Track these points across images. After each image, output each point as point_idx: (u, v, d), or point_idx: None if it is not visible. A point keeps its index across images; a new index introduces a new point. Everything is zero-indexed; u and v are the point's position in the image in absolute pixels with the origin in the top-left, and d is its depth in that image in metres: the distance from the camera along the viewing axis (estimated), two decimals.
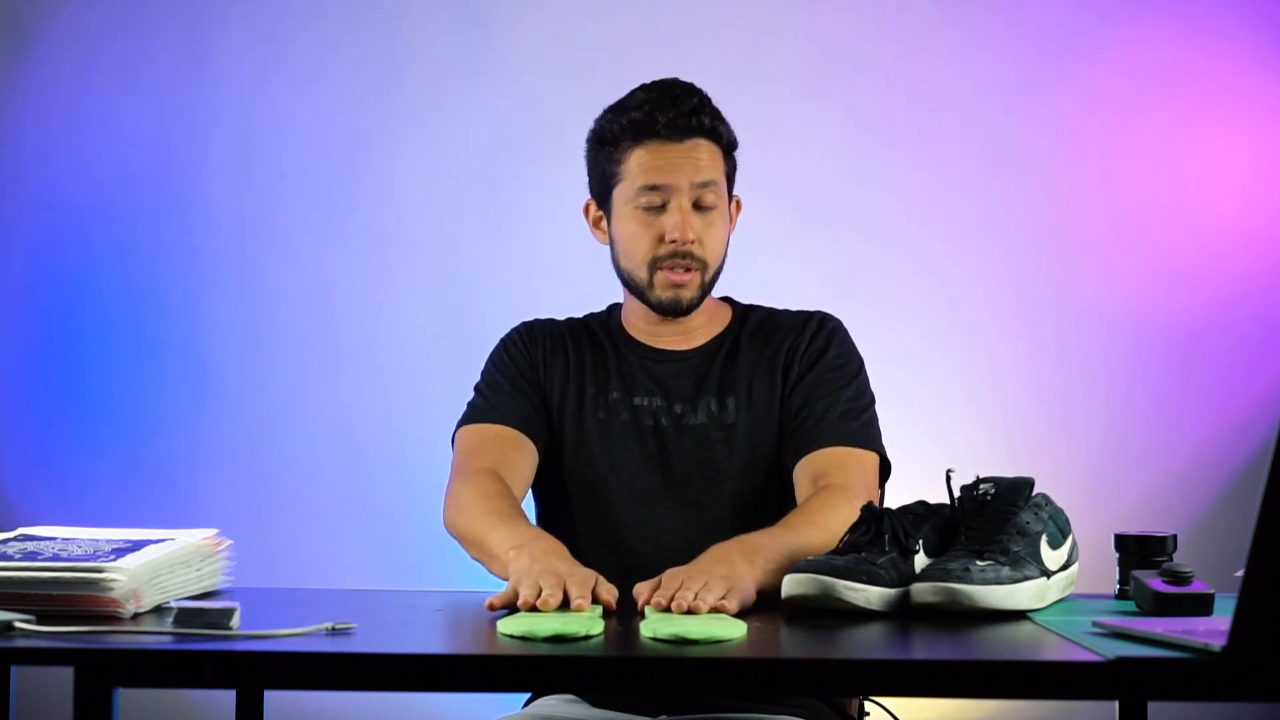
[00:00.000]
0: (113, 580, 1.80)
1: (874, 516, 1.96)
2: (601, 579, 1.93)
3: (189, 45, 3.75)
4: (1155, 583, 1.87)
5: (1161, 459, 3.64)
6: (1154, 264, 3.66)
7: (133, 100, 3.74)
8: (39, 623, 1.71)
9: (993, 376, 3.67)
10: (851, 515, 2.05)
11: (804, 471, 2.26)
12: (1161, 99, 3.67)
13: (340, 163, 3.74)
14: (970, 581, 1.84)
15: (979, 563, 1.87)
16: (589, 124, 2.37)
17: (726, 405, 2.33)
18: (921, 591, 1.85)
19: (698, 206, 2.29)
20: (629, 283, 2.35)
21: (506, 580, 1.98)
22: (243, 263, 3.73)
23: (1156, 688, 1.61)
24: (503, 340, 2.42)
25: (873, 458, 2.29)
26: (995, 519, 1.94)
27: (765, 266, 3.39)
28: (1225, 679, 1.55)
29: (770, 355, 2.35)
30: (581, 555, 2.20)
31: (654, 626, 1.73)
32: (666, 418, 2.33)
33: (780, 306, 2.44)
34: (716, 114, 2.32)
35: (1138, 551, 2.01)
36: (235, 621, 1.70)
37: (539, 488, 2.36)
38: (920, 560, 1.93)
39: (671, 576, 1.92)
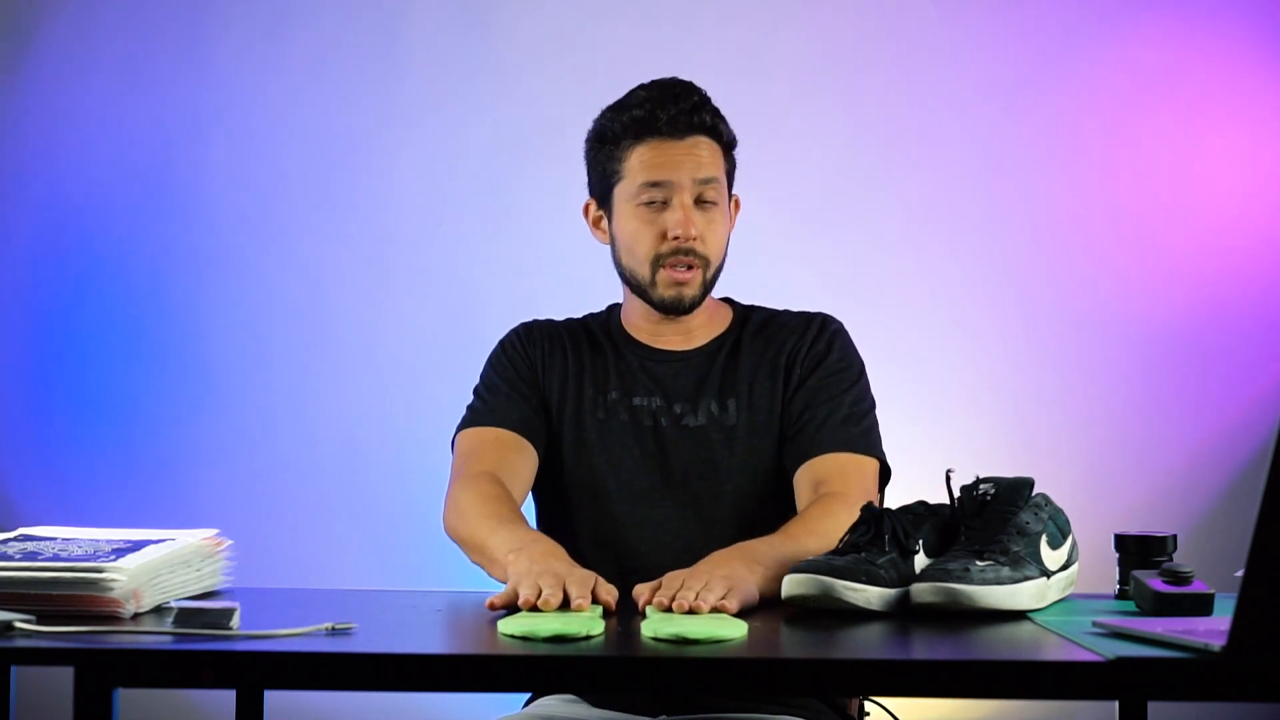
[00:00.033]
0: (113, 580, 1.80)
1: (874, 517, 1.96)
2: (601, 579, 1.93)
3: (189, 45, 3.75)
4: (1155, 583, 1.87)
5: (1161, 459, 3.64)
6: (1154, 264, 3.66)
7: (133, 100, 3.74)
8: (39, 623, 1.71)
9: (993, 376, 3.67)
10: (850, 521, 2.05)
11: (804, 478, 2.26)
12: (1161, 99, 3.67)
13: (340, 163, 3.75)
14: (970, 581, 1.84)
15: (979, 563, 1.87)
16: (589, 124, 2.38)
17: (727, 407, 2.33)
18: (921, 591, 1.85)
19: (699, 203, 2.30)
20: (630, 281, 2.35)
21: (506, 584, 1.98)
22: (242, 263, 3.73)
23: (1156, 688, 1.61)
24: (501, 342, 2.42)
25: (873, 464, 2.29)
26: (995, 519, 1.94)
27: (765, 266, 3.40)
28: (1225, 679, 1.55)
29: (772, 357, 2.35)
30: (581, 556, 2.20)
31: (655, 626, 1.73)
32: (666, 418, 2.33)
33: (781, 307, 2.44)
34: (716, 112, 2.33)
35: (1138, 551, 2.01)
36: (235, 621, 1.70)
37: (539, 489, 2.35)
38: (920, 560, 1.93)
39: (672, 577, 1.92)
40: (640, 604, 1.90)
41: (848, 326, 2.40)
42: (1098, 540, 2.18)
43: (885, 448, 2.33)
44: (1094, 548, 2.20)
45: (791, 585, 1.88)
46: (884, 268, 3.69)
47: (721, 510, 2.29)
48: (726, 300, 2.45)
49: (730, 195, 2.36)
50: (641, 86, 2.34)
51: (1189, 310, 3.65)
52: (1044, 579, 1.91)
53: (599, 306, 2.46)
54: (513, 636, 1.73)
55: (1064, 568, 1.96)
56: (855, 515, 2.04)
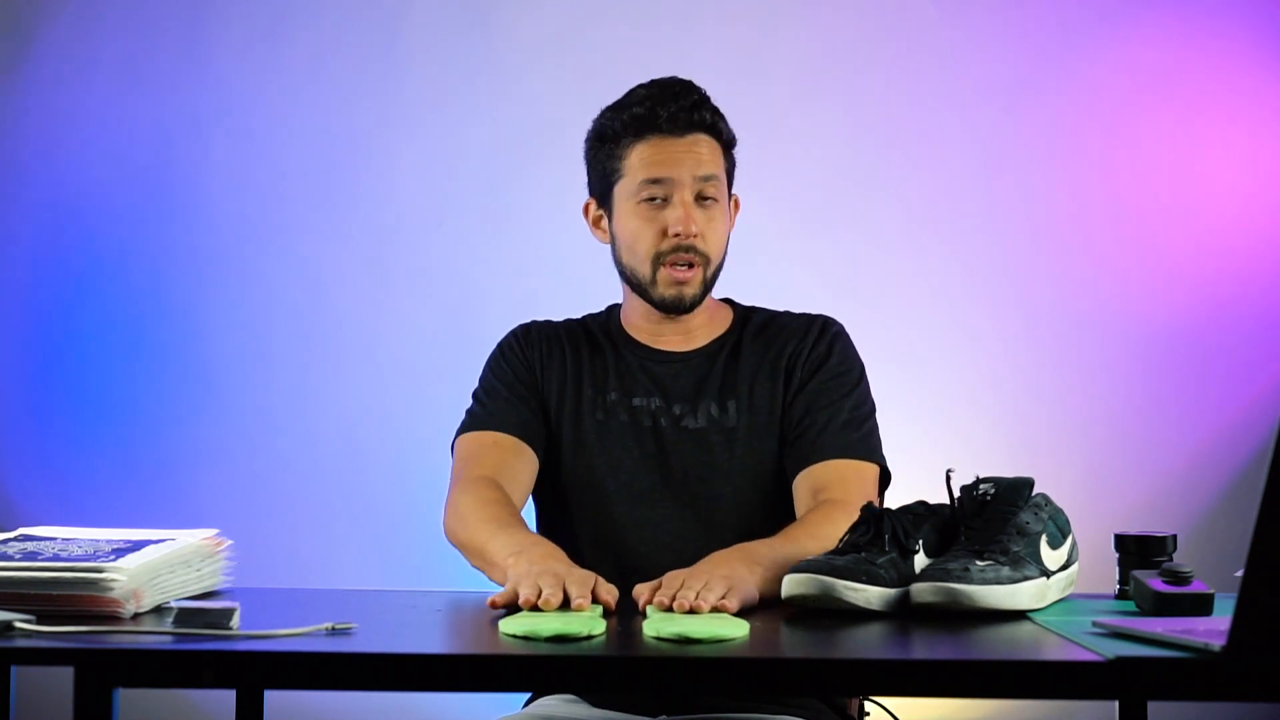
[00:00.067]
0: (113, 580, 1.80)
1: (874, 517, 1.96)
2: (601, 579, 1.93)
3: (189, 45, 3.75)
4: (1155, 583, 1.87)
5: (1161, 459, 3.64)
6: (1154, 264, 3.66)
7: (133, 100, 3.74)
8: (39, 623, 1.71)
9: (993, 376, 3.67)
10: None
11: (804, 484, 2.26)
12: (1161, 99, 3.67)
13: (340, 163, 3.74)
14: (970, 581, 1.84)
15: (979, 563, 1.87)
16: (589, 124, 2.38)
17: (727, 408, 2.33)
18: (921, 591, 1.85)
19: (700, 201, 2.30)
20: (631, 280, 2.35)
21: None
22: (243, 262, 3.73)
23: (1156, 688, 1.61)
24: (499, 345, 2.42)
25: (873, 469, 2.29)
26: (995, 519, 1.94)
27: (765, 266, 3.40)
28: (1225, 679, 1.55)
29: (772, 359, 2.35)
30: (581, 556, 2.21)
31: (657, 626, 1.73)
32: (665, 418, 2.33)
33: (781, 307, 2.44)
34: (716, 111, 2.33)
35: (1138, 551, 2.01)
36: (235, 621, 1.70)
37: (538, 490, 2.35)
38: (920, 560, 1.93)
39: (672, 577, 1.92)
40: (640, 604, 1.90)
41: (848, 327, 2.40)
42: (1098, 540, 2.18)
43: (886, 449, 2.33)
44: (1094, 548, 2.20)
45: (791, 585, 1.88)
46: (884, 268, 3.69)
47: (721, 511, 2.29)
48: (727, 301, 2.45)
49: (730, 194, 2.36)
50: (641, 85, 2.34)
51: (1189, 310, 3.65)
52: (1044, 579, 1.91)
53: (599, 307, 2.46)
54: (514, 636, 1.73)
55: (1064, 568, 1.96)
56: (854, 521, 2.05)
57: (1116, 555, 2.03)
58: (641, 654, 1.68)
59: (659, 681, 1.76)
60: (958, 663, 1.67)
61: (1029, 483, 1.98)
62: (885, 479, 2.32)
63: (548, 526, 2.36)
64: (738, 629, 1.75)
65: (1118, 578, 2.03)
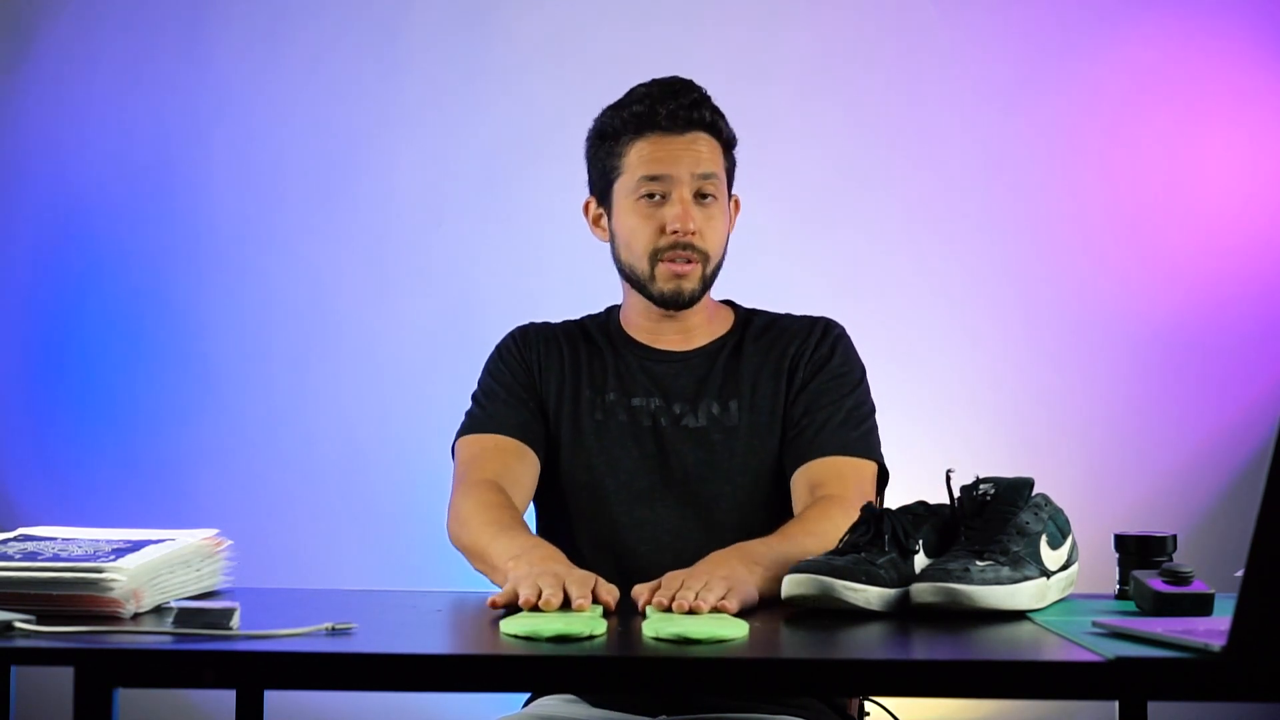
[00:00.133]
0: (113, 580, 1.80)
1: (874, 517, 1.96)
2: (601, 580, 1.93)
3: (189, 45, 3.75)
4: (1155, 583, 1.87)
5: (1161, 459, 3.64)
6: (1154, 264, 3.66)
7: (133, 100, 3.74)
8: (39, 623, 1.70)
9: (993, 376, 3.67)
10: (848, 523, 2.05)
11: (802, 480, 2.27)
12: (1161, 99, 3.67)
13: (340, 163, 3.75)
14: (970, 581, 1.84)
15: (979, 563, 1.87)
16: (589, 123, 2.38)
17: (729, 407, 2.33)
18: (921, 591, 1.85)
19: (699, 199, 2.30)
20: (630, 276, 2.35)
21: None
22: (243, 262, 3.73)
23: (1156, 688, 1.61)
24: (497, 347, 2.42)
25: (871, 467, 2.29)
26: (995, 519, 1.94)
27: (765, 266, 3.39)
28: (1225, 679, 1.55)
29: (775, 359, 2.35)
30: (581, 556, 2.21)
31: (656, 626, 1.73)
32: (665, 418, 2.33)
33: (782, 308, 2.44)
34: (716, 110, 2.33)
35: (1138, 551, 2.01)
36: (235, 621, 1.70)
37: (538, 491, 2.35)
38: (920, 560, 1.93)
39: (671, 578, 1.92)
40: (640, 604, 1.90)
41: (848, 327, 2.40)
42: (1098, 540, 2.18)
43: (886, 448, 2.33)
44: (1094, 548, 2.20)
45: (791, 585, 1.88)
46: (884, 268, 3.69)
47: (721, 511, 2.29)
48: (728, 303, 2.45)
49: (730, 194, 2.36)
50: (642, 84, 2.34)
51: (1189, 310, 3.65)
52: (1044, 579, 1.91)
53: (598, 307, 2.46)
54: (515, 636, 1.73)
55: (1064, 568, 1.96)
56: (852, 517, 2.05)
57: (1116, 555, 2.03)
58: (641, 654, 1.68)
59: (658, 682, 1.76)
60: (958, 663, 1.66)
61: (1029, 483, 1.98)
62: (884, 478, 2.32)
63: (547, 528, 2.36)
64: (737, 629, 1.75)
65: (1118, 578, 2.03)
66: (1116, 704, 1.81)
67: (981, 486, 1.97)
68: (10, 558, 1.86)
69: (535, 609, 1.85)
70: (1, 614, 1.70)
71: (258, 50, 3.75)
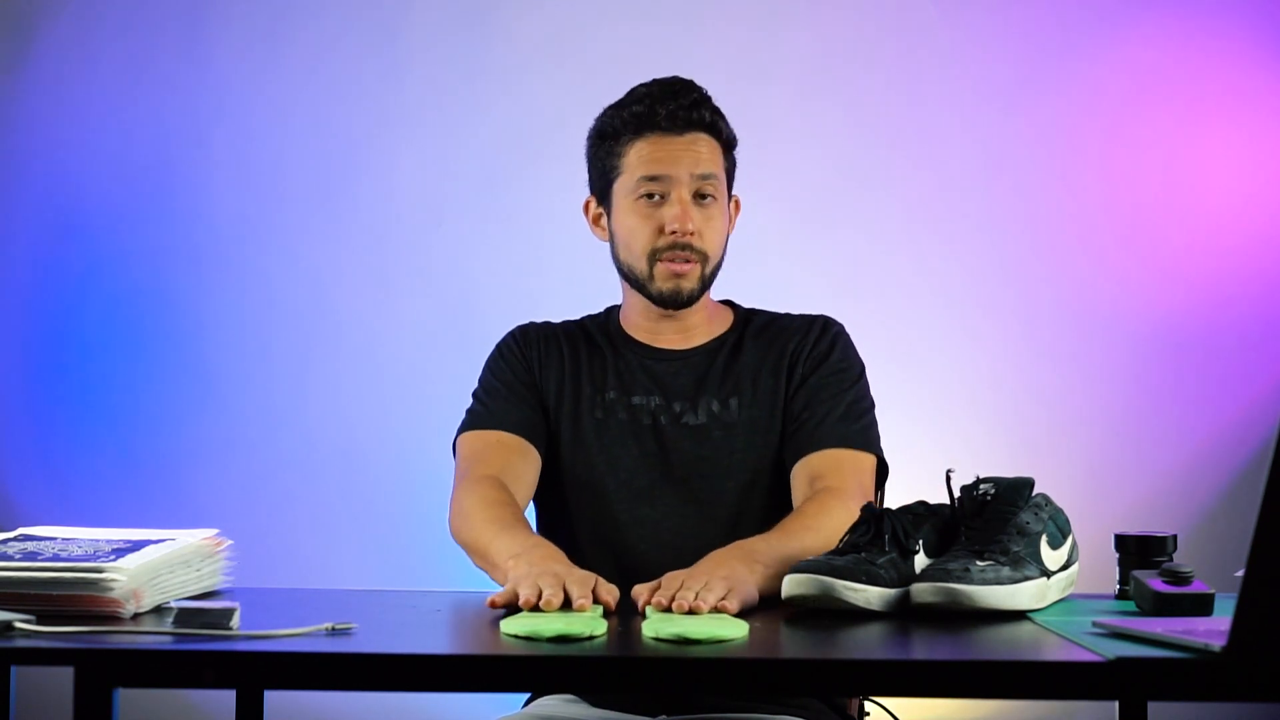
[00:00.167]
0: (113, 580, 1.80)
1: (874, 517, 1.96)
2: (601, 579, 1.93)
3: (189, 45, 3.75)
4: (1155, 583, 1.87)
5: (1161, 459, 3.64)
6: (1154, 263, 3.66)
7: (133, 100, 3.74)
8: (39, 623, 1.71)
9: (993, 376, 3.67)
10: (847, 517, 2.06)
11: (801, 473, 2.27)
12: (1161, 99, 3.67)
13: (340, 163, 3.75)
14: (970, 581, 1.84)
15: (979, 563, 1.87)
16: (589, 123, 2.38)
17: (729, 404, 2.33)
18: (921, 591, 1.85)
19: (698, 199, 2.30)
20: (629, 276, 2.35)
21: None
22: (242, 262, 3.73)
23: (1156, 688, 1.61)
24: (497, 346, 2.42)
25: (870, 459, 2.29)
26: (995, 519, 1.94)
27: (765, 266, 3.40)
28: (1225, 679, 1.55)
29: (775, 356, 2.35)
30: (581, 555, 2.21)
31: (656, 626, 1.73)
32: (665, 416, 2.33)
33: (782, 308, 2.44)
34: (716, 110, 2.33)
35: (1138, 551, 2.01)
36: (235, 621, 1.70)
37: (539, 489, 2.35)
38: (920, 560, 1.93)
39: (671, 578, 1.92)
40: (640, 604, 1.90)
41: (848, 326, 2.41)
42: (1098, 540, 2.18)
43: (886, 448, 2.33)
44: (1094, 548, 2.20)
45: (791, 585, 1.88)
46: (884, 268, 3.69)
47: (723, 508, 2.29)
48: (727, 303, 2.45)
49: (730, 195, 2.37)
50: (642, 84, 2.35)
51: (1189, 310, 3.65)
52: (1044, 579, 1.91)
53: (598, 307, 2.47)
54: (516, 636, 1.73)
55: (1064, 568, 1.96)
56: (851, 510, 2.06)
57: (1116, 555, 2.03)
58: (641, 654, 1.68)
59: (659, 682, 1.76)
60: (958, 663, 1.67)
61: (1029, 483, 1.98)
62: (884, 472, 2.32)
63: (547, 526, 2.36)
64: (737, 629, 1.75)
65: (1118, 578, 2.03)
66: (1116, 704, 1.81)
67: (981, 486, 1.97)
68: (10, 558, 1.86)
69: (535, 609, 1.85)
70: (1, 614, 1.70)
71: (258, 50, 3.75)
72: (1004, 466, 2.05)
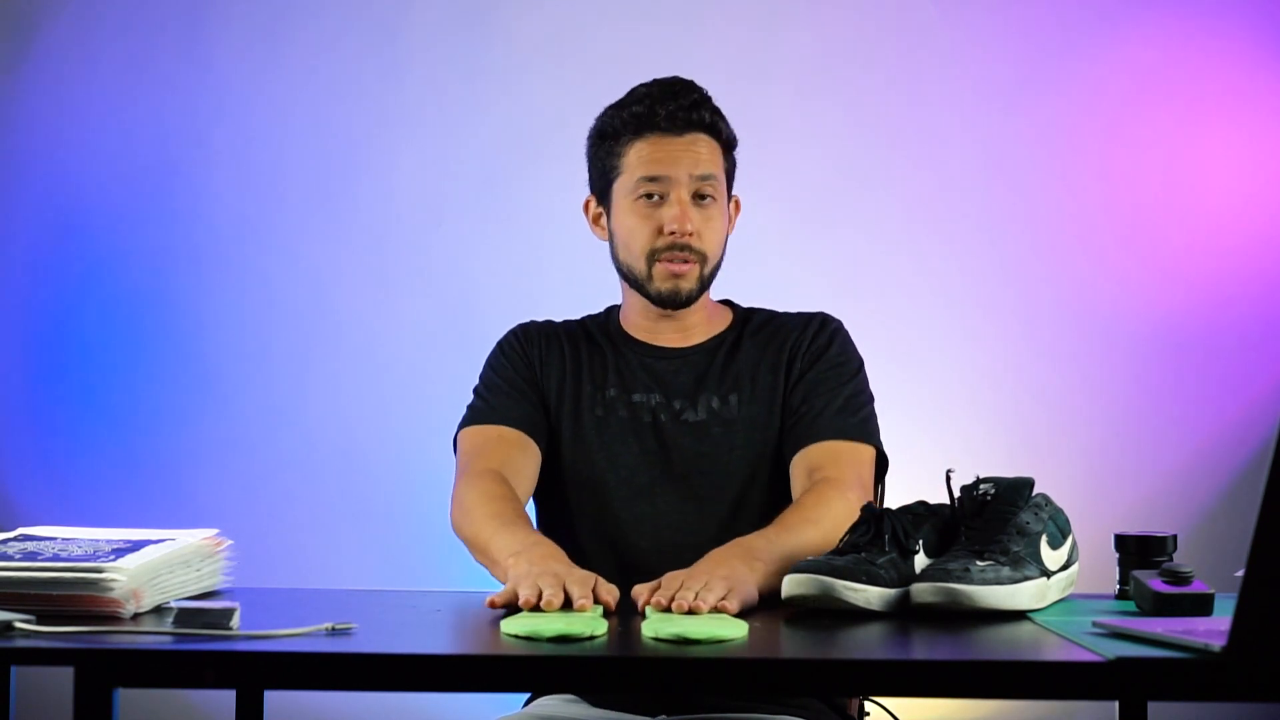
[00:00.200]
0: (113, 580, 1.80)
1: (874, 517, 1.96)
2: (601, 579, 1.93)
3: (189, 45, 3.75)
4: (1155, 583, 1.86)
5: (1161, 459, 3.64)
6: (1154, 264, 3.66)
7: (133, 100, 3.74)
8: (39, 623, 1.70)
9: (993, 376, 3.67)
10: (845, 508, 2.07)
11: (799, 465, 2.27)
12: (1161, 99, 3.67)
13: (340, 162, 3.75)
14: (970, 581, 1.84)
15: (979, 563, 1.87)
16: (589, 123, 2.38)
17: (728, 401, 2.33)
18: (921, 591, 1.85)
19: (697, 200, 2.30)
20: (628, 276, 2.35)
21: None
22: (242, 262, 3.73)
23: (1156, 688, 1.61)
24: (499, 343, 2.43)
25: (869, 450, 2.30)
26: (995, 519, 1.94)
27: (765, 266, 3.40)
28: (1225, 679, 1.55)
29: (774, 353, 2.36)
30: (582, 552, 2.21)
31: (656, 627, 1.73)
32: (665, 414, 2.33)
33: (782, 307, 2.45)
34: (717, 111, 2.33)
35: (1138, 551, 2.01)
36: (235, 621, 1.70)
37: (538, 486, 2.35)
38: (920, 560, 1.93)
39: (671, 578, 1.92)
40: (640, 604, 1.90)
41: (848, 326, 2.41)
42: (1098, 540, 2.18)
43: (886, 447, 2.33)
44: (1094, 548, 2.20)
45: (791, 585, 1.88)
46: (884, 268, 3.69)
47: (723, 505, 2.29)
48: (726, 302, 2.46)
49: (730, 195, 2.37)
50: (643, 84, 2.35)
51: (1189, 310, 3.65)
52: (1044, 579, 1.91)
53: (598, 307, 2.47)
54: (516, 637, 1.73)
55: (1064, 568, 1.96)
56: (849, 500, 2.08)
57: (1116, 555, 2.03)
58: (641, 654, 1.68)
59: (659, 682, 1.76)
60: (958, 663, 1.67)
61: (1029, 483, 1.98)
62: (884, 464, 2.33)
63: (548, 524, 2.36)
64: (736, 629, 1.75)
65: (1118, 578, 2.03)
66: (1116, 704, 1.81)
67: (981, 486, 1.97)
68: (10, 558, 1.86)
69: (535, 609, 1.85)
70: (1, 614, 1.70)
71: (258, 50, 3.75)
72: (1004, 466, 2.05)
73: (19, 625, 1.69)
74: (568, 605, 1.86)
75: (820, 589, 1.86)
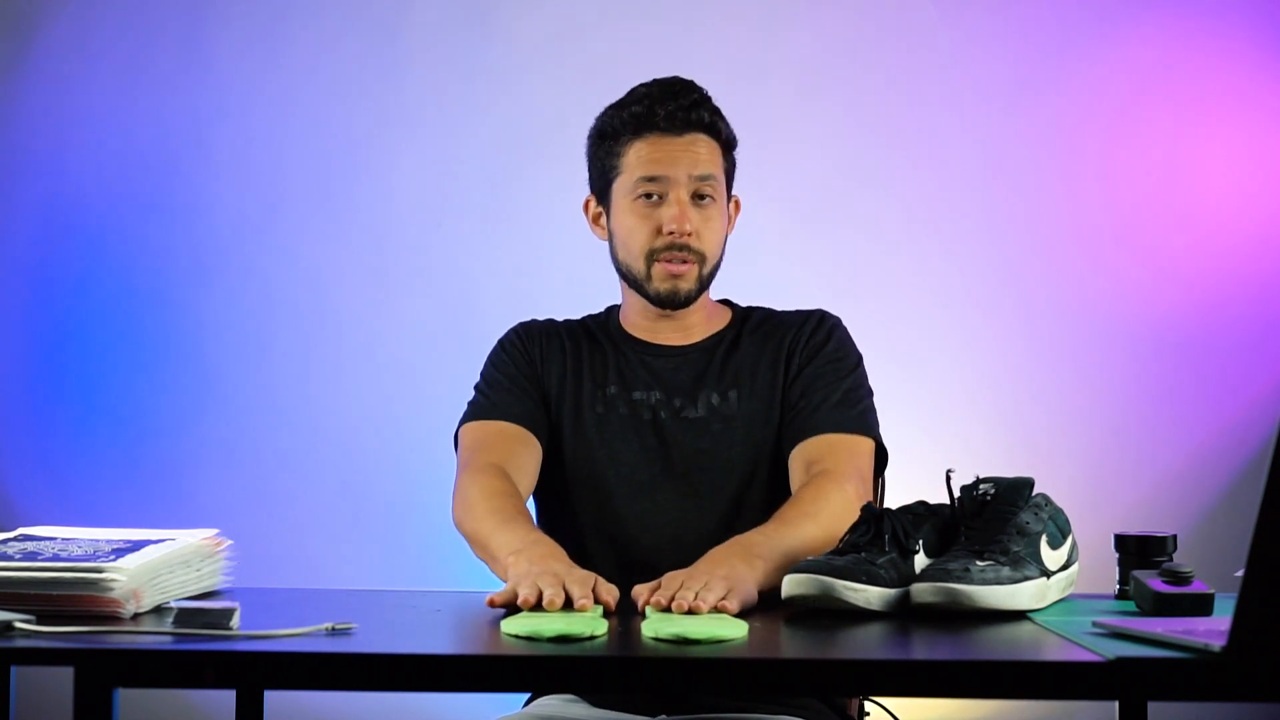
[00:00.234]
0: (113, 580, 1.80)
1: (874, 517, 1.96)
2: (601, 579, 1.93)
3: (189, 45, 3.75)
4: (1155, 583, 1.86)
5: (1161, 459, 3.64)
6: (1154, 264, 3.66)
7: (133, 100, 3.74)
8: (39, 623, 1.70)
9: (993, 376, 3.67)
10: (843, 500, 2.07)
11: (797, 459, 2.28)
12: (1161, 99, 3.67)
13: (340, 163, 3.75)
14: (970, 581, 1.84)
15: (979, 563, 1.87)
16: (589, 123, 2.38)
17: (728, 397, 2.34)
18: (921, 591, 1.85)
19: (696, 200, 2.30)
20: (627, 276, 2.36)
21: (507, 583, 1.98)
22: (242, 262, 3.73)
23: (1156, 688, 1.61)
24: (500, 341, 2.43)
25: (867, 443, 2.30)
26: (995, 519, 1.94)
27: (765, 266, 3.40)
28: (1225, 679, 1.55)
29: (773, 349, 2.36)
30: (584, 549, 2.22)
31: (656, 626, 1.73)
32: (665, 411, 2.33)
33: (781, 307, 2.45)
34: (716, 111, 2.34)
35: (1138, 551, 2.01)
36: (235, 621, 1.70)
37: (540, 483, 2.35)
38: (920, 560, 1.93)
39: (671, 578, 1.92)
40: (640, 604, 1.90)
41: (848, 325, 2.41)
42: (1098, 540, 2.18)
43: (886, 446, 2.33)
44: (1094, 548, 2.20)
45: (791, 585, 1.88)
46: (884, 268, 3.69)
47: (723, 500, 2.29)
48: (725, 302, 2.46)
49: (730, 195, 2.37)
50: (643, 84, 2.35)
51: (1189, 310, 3.65)
52: (1044, 579, 1.91)
53: (598, 307, 2.47)
54: (517, 636, 1.73)
55: (1064, 568, 1.96)
56: (846, 492, 2.09)
57: (1116, 555, 2.03)
58: (641, 654, 1.68)
59: (658, 681, 1.76)
60: (958, 663, 1.67)
61: (1029, 483, 1.98)
62: (883, 457, 2.33)
63: (549, 521, 2.36)
64: (736, 629, 1.75)
65: (1118, 578, 2.03)
66: (1116, 704, 1.81)
67: (981, 486, 1.97)
68: (10, 558, 1.86)
69: (534, 608, 1.85)
70: (1, 614, 1.70)
71: (258, 50, 3.75)
72: (1004, 466, 2.05)
73: (19, 625, 1.69)
74: (568, 605, 1.86)
75: (820, 589, 1.86)
